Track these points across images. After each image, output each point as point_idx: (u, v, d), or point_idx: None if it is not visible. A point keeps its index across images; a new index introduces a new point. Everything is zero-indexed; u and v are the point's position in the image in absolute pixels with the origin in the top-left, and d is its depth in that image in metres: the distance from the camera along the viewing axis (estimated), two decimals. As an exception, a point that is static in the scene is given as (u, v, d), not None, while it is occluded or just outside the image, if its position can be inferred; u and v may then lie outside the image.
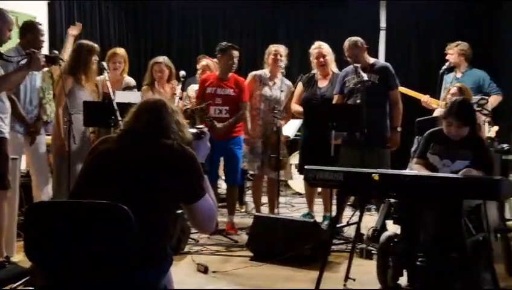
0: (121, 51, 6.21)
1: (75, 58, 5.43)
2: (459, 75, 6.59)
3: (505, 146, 5.62)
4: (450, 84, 6.11)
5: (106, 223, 2.22)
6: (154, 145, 2.49)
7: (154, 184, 2.40)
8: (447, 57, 6.61)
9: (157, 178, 2.40)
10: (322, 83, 6.06)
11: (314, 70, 6.13)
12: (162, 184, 2.41)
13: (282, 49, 6.08)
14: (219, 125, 5.67)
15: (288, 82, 6.20)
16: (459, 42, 6.60)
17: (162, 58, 6.16)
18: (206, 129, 2.86)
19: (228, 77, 5.85)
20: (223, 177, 6.49)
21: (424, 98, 6.57)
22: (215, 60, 6.60)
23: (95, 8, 8.56)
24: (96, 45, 5.58)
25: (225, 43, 5.97)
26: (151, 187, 2.39)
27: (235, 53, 5.83)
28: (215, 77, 5.91)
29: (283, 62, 6.04)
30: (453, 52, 6.56)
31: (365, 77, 5.32)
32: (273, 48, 6.12)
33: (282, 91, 5.98)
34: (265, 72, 6.10)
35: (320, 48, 6.03)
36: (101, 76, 5.62)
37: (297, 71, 6.40)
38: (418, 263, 3.61)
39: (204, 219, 2.57)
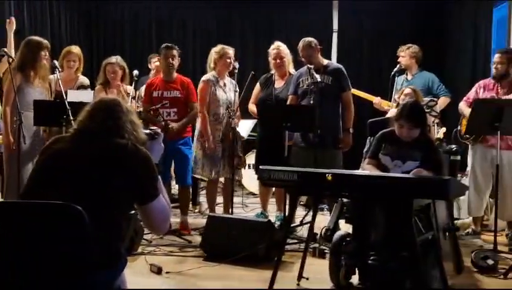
0: (76, 49, 6.11)
1: (23, 54, 5.32)
2: (409, 77, 6.74)
3: (453, 147, 5.77)
4: (401, 86, 6.26)
5: (59, 223, 2.18)
6: (109, 144, 2.47)
7: (108, 184, 2.37)
8: (398, 60, 6.75)
9: (111, 178, 2.39)
10: (278, 84, 6.10)
11: (273, 71, 6.16)
12: (116, 184, 2.39)
13: (231, 51, 6.03)
14: (174, 125, 5.64)
15: (234, 81, 6.10)
16: (410, 45, 6.76)
17: (115, 59, 6.08)
18: (159, 130, 2.85)
19: (173, 79, 5.82)
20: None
21: (376, 100, 6.71)
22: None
23: (45, 8, 8.38)
24: (45, 41, 5.48)
25: (165, 44, 5.92)
26: (105, 187, 2.37)
27: (171, 52, 5.79)
28: (161, 79, 5.88)
29: (234, 63, 6.01)
30: (405, 54, 6.71)
31: (318, 78, 5.38)
32: (223, 50, 5.99)
33: (236, 91, 5.97)
34: (213, 74, 6.00)
35: (279, 49, 6.06)
36: (54, 74, 5.52)
37: (250, 71, 6.39)
38: (369, 261, 3.67)
39: (157, 219, 2.56)
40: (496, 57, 5.58)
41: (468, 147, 5.88)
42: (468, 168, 5.87)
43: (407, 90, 5.59)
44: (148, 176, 2.49)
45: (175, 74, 5.86)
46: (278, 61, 6.01)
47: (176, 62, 5.84)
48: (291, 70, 6.12)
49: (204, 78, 5.99)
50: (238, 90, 6.02)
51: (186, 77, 6.03)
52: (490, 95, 5.57)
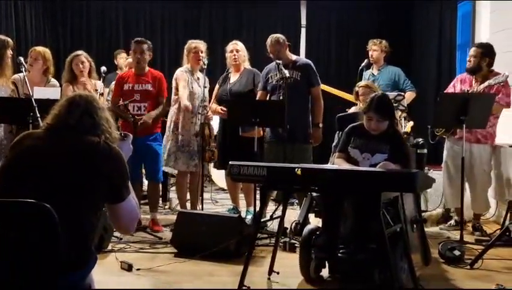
0: (39, 48, 6.03)
1: None
2: (375, 72, 6.82)
3: (420, 140, 5.87)
4: (368, 80, 6.33)
5: (28, 222, 2.13)
6: (82, 142, 2.44)
7: (80, 182, 2.35)
8: (370, 54, 6.81)
9: (83, 176, 2.36)
10: (233, 78, 6.12)
11: (230, 68, 6.17)
12: (88, 183, 2.36)
13: (202, 46, 6.05)
14: (144, 118, 5.60)
15: (204, 75, 6.11)
16: (381, 40, 6.83)
17: (81, 52, 6.02)
18: (130, 135, 2.83)
19: (144, 72, 5.78)
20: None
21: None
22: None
23: (10, 7, 8.24)
24: (9, 39, 5.40)
25: (135, 39, 5.90)
26: (76, 185, 2.34)
27: (141, 47, 5.75)
28: (132, 73, 5.85)
29: (204, 58, 6.01)
30: (377, 48, 6.78)
31: (287, 73, 5.40)
32: (192, 44, 6.05)
33: (205, 87, 5.96)
34: (187, 68, 6.04)
35: (236, 44, 6.14)
36: (20, 74, 5.44)
37: (220, 69, 6.40)
38: (339, 254, 3.72)
39: (126, 219, 2.55)
40: (471, 51, 5.68)
41: (442, 140, 5.98)
42: (443, 162, 5.97)
43: (362, 91, 5.61)
44: (120, 176, 2.47)
45: (147, 68, 5.82)
46: (234, 53, 6.05)
47: (147, 57, 5.79)
48: (247, 66, 6.17)
49: (179, 69, 6.06)
50: (208, 85, 6.02)
51: (157, 71, 5.99)
52: (465, 88, 5.66)
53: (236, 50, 6.07)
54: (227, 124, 6.07)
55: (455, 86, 5.83)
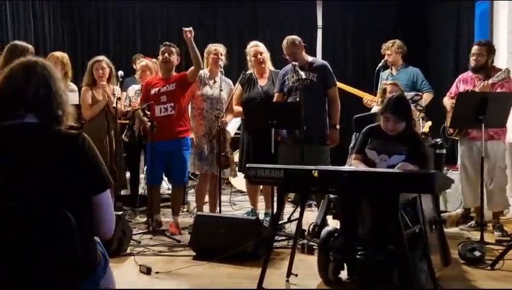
0: (57, 53, 6.10)
1: (5, 59, 5.28)
2: (394, 72, 6.79)
3: (439, 141, 5.83)
4: (384, 81, 6.31)
5: (42, 227, 2.09)
6: (56, 138, 2.27)
7: (66, 181, 2.21)
8: (385, 57, 6.78)
9: (62, 173, 2.21)
10: (262, 82, 6.10)
11: (251, 70, 6.17)
12: (67, 179, 2.21)
13: (221, 49, 6.08)
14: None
15: (229, 80, 6.22)
16: (394, 40, 6.80)
17: (102, 57, 6.10)
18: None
19: (171, 76, 5.81)
20: (165, 178, 6.43)
21: (365, 100, 6.78)
22: (154, 59, 6.59)
23: (28, 7, 8.32)
24: (30, 46, 5.46)
25: (164, 43, 5.93)
26: (62, 185, 2.20)
27: (169, 49, 5.79)
28: (159, 78, 5.88)
29: (223, 62, 6.03)
30: (391, 52, 6.75)
31: (303, 75, 5.39)
32: (212, 47, 6.09)
33: (222, 90, 5.97)
34: (204, 71, 6.06)
35: (257, 46, 6.10)
36: None
37: (236, 70, 6.39)
38: (357, 256, 3.70)
39: (110, 213, 2.36)
40: (476, 49, 5.65)
41: (456, 141, 5.94)
42: (459, 162, 5.92)
43: (390, 88, 5.60)
44: (95, 163, 2.31)
45: (173, 72, 5.85)
46: (259, 57, 6.03)
47: (174, 59, 5.83)
48: (271, 67, 6.17)
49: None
50: (225, 89, 6.02)
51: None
52: (468, 88, 5.63)
53: (260, 53, 6.05)
54: (247, 127, 6.09)
55: (458, 87, 5.82)
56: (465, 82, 5.76)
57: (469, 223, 5.85)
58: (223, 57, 6.06)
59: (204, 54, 6.12)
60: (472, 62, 5.66)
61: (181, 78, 5.77)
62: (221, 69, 5.98)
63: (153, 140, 5.49)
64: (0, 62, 5.29)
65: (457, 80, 5.94)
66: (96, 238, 2.45)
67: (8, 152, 2.23)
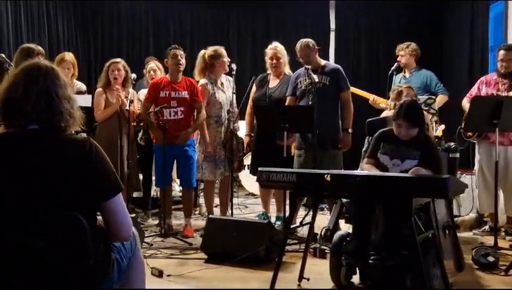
0: (69, 56, 6.12)
1: (17, 61, 5.34)
2: (407, 75, 6.74)
3: (452, 144, 5.78)
4: (397, 84, 6.26)
5: (57, 233, 2.11)
6: (56, 142, 2.28)
7: (73, 187, 2.21)
8: (398, 59, 6.74)
9: (70, 178, 2.21)
10: (273, 83, 6.09)
11: (269, 71, 6.16)
12: (76, 184, 2.22)
13: (225, 52, 6.08)
14: (182, 134, 5.67)
15: (229, 77, 6.13)
16: (409, 43, 6.75)
17: (119, 59, 6.12)
18: None
19: (180, 80, 5.79)
20: (177, 180, 6.45)
21: (371, 98, 6.72)
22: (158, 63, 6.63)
23: (42, 8, 8.38)
24: (38, 47, 5.51)
25: (174, 45, 5.92)
26: (70, 191, 2.21)
27: (179, 53, 5.77)
28: (167, 80, 5.84)
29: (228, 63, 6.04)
30: (404, 53, 6.70)
31: (316, 78, 5.38)
32: (220, 51, 6.01)
33: (234, 93, 5.96)
34: (209, 77, 6.00)
35: (276, 49, 6.05)
36: None
37: (249, 71, 6.38)
38: (370, 261, 3.67)
39: (125, 216, 2.36)
40: (503, 54, 5.54)
41: (473, 144, 5.88)
42: (476, 166, 5.86)
43: (405, 92, 5.52)
44: (107, 168, 2.32)
45: (181, 75, 5.84)
46: (274, 61, 6.01)
47: (184, 63, 5.82)
48: (287, 71, 6.11)
49: (201, 82, 5.99)
50: (235, 86, 6.00)
51: (189, 78, 5.99)
52: (492, 91, 5.56)
53: (277, 58, 6.01)
54: (259, 129, 6.08)
55: (480, 89, 5.73)
56: (488, 84, 5.67)
57: (483, 228, 5.80)
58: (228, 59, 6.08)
59: (206, 57, 6.02)
60: (500, 68, 5.56)
61: (193, 92, 5.77)
62: (234, 72, 5.97)
63: (165, 142, 5.50)
64: (14, 64, 5.35)
65: (479, 81, 5.84)
66: (117, 244, 2.48)
67: (13, 158, 2.22)
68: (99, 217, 2.38)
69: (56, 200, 2.16)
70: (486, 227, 5.76)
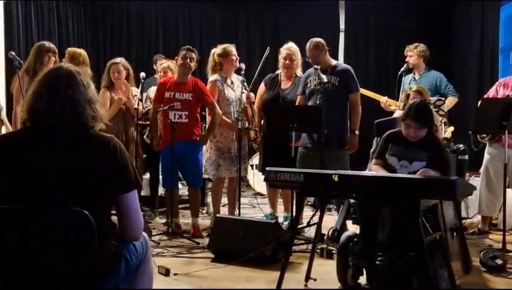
0: (81, 51, 6.14)
1: (36, 57, 5.39)
2: (417, 76, 6.72)
3: (461, 146, 5.74)
4: (408, 85, 6.22)
5: (64, 229, 2.13)
6: (80, 137, 2.36)
7: (90, 178, 2.28)
8: (406, 59, 6.72)
9: (92, 171, 2.29)
10: (285, 85, 6.08)
11: (279, 70, 6.15)
12: (95, 180, 2.29)
13: (234, 49, 6.06)
14: (200, 139, 5.75)
15: (240, 77, 6.11)
16: (418, 44, 6.73)
17: (120, 59, 6.13)
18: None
19: (186, 81, 5.76)
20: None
21: (383, 100, 6.69)
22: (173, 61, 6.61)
23: (52, 8, 8.41)
24: (51, 45, 5.57)
25: (186, 46, 5.91)
26: (88, 184, 2.28)
27: (191, 54, 5.74)
28: (174, 81, 5.82)
29: (237, 60, 6.04)
30: (413, 54, 6.68)
31: (325, 78, 5.37)
32: (230, 48, 6.01)
33: (243, 92, 5.94)
34: (220, 74, 5.99)
35: (290, 50, 6.03)
36: None
37: (256, 71, 6.36)
38: (377, 261, 3.66)
39: (138, 214, 2.45)
40: None
41: (485, 146, 5.85)
42: (482, 166, 5.82)
43: (412, 94, 5.47)
44: (125, 163, 2.40)
45: (189, 77, 5.82)
46: (288, 62, 5.99)
47: (193, 65, 5.79)
48: (299, 72, 6.10)
49: (211, 78, 5.98)
50: (246, 85, 5.96)
51: (197, 78, 5.96)
52: (509, 93, 5.52)
53: (291, 59, 6.00)
54: (267, 128, 6.07)
55: (497, 91, 5.68)
56: (506, 87, 5.62)
57: (472, 230, 5.73)
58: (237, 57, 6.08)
59: (216, 55, 6.00)
60: None
61: (199, 93, 5.72)
62: (242, 72, 5.97)
63: (173, 142, 5.50)
64: (28, 61, 5.41)
65: (497, 83, 5.80)
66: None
67: (34, 153, 2.29)
68: (114, 217, 2.47)
69: (75, 197, 2.22)
70: (475, 230, 5.71)
